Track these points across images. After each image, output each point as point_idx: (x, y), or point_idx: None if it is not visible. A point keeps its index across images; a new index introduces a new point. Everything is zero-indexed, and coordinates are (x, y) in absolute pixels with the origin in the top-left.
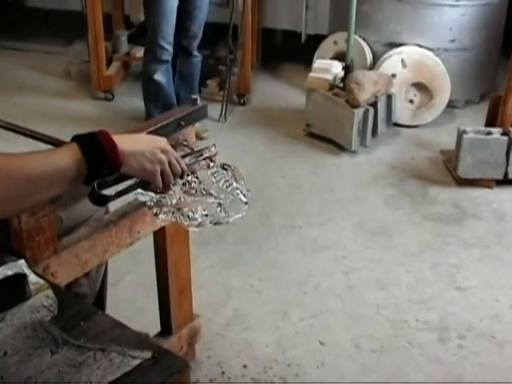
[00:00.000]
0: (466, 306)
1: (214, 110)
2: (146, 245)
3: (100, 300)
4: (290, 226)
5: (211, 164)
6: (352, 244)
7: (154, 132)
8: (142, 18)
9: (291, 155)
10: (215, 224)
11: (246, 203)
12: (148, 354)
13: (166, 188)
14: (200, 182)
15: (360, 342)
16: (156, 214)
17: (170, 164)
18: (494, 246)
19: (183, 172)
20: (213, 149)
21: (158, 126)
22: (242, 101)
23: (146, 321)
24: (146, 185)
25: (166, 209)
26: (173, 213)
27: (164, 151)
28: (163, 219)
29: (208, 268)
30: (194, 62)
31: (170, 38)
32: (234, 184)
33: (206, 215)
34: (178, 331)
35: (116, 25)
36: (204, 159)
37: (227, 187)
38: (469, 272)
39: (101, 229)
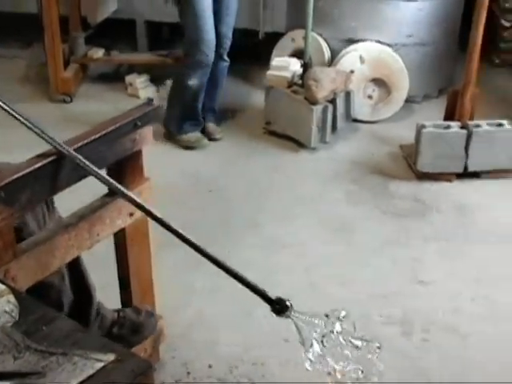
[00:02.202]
0: (428, 299)
1: None
2: (108, 247)
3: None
4: (251, 224)
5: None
6: (313, 241)
7: (110, 133)
8: (100, 19)
9: (251, 154)
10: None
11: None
12: (111, 357)
13: None
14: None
15: None
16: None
17: None
18: (454, 239)
19: None
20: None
21: (115, 126)
22: None
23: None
24: None
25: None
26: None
27: None
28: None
29: (170, 269)
30: (222, 67)
31: (212, 43)
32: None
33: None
34: None
35: (73, 26)
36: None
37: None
38: (430, 266)
39: (60, 232)
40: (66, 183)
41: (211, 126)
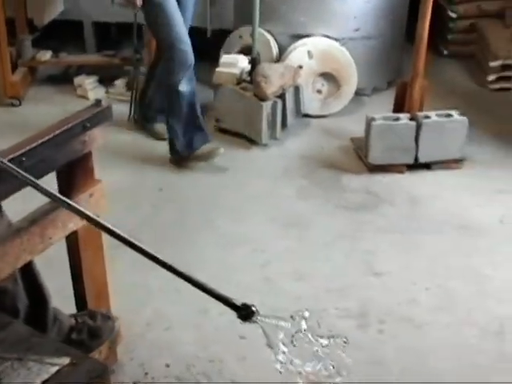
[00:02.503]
0: (383, 291)
1: (122, 110)
2: (61, 251)
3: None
4: (205, 223)
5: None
6: (267, 237)
7: (59, 135)
8: (46, 20)
9: None
10: None
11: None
12: (66, 360)
13: None
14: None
15: None
16: None
17: None
18: (408, 230)
19: None
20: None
21: (64, 129)
22: None
23: None
24: None
25: None
26: None
27: None
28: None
29: (125, 270)
30: None
31: (187, 38)
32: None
33: None
34: None
35: (19, 29)
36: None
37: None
38: (385, 257)
39: (11, 237)
40: (8, 193)
41: (160, 126)
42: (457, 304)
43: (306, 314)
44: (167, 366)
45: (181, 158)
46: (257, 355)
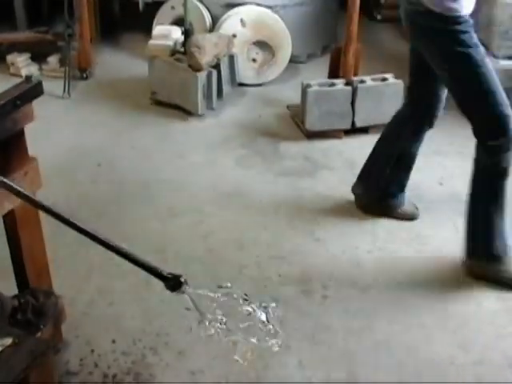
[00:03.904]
0: (326, 256)
1: (56, 86)
2: None
3: None
4: (145, 195)
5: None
6: (208, 207)
7: None
8: None
9: (139, 125)
10: None
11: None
12: (8, 341)
13: None
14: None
15: None
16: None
17: None
18: (347, 194)
19: None
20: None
21: None
22: (84, 75)
23: None
24: None
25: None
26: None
27: None
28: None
29: (65, 247)
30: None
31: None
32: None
33: None
34: None
35: None
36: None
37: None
38: (326, 223)
39: None
40: None
41: (408, 204)
42: (399, 266)
43: (229, 284)
44: (113, 341)
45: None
46: (203, 327)
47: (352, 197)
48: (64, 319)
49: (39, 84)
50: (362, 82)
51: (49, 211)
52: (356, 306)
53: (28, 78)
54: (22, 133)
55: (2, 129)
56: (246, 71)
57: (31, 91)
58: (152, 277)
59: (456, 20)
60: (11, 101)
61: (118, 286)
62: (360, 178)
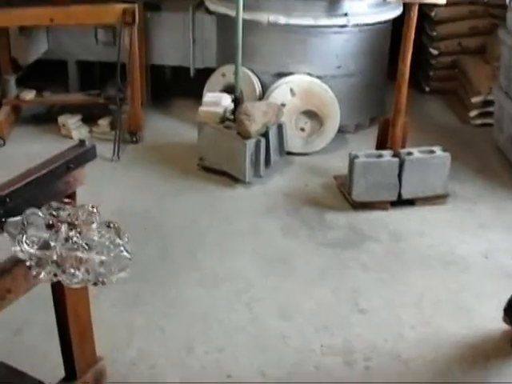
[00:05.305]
0: (369, 327)
1: (106, 149)
2: (45, 289)
3: None
4: (190, 260)
5: (94, 220)
6: (252, 275)
7: (42, 176)
8: (30, 60)
9: (186, 190)
10: (97, 282)
11: (130, 259)
12: None
13: None
14: (82, 238)
15: (267, 371)
16: (36, 275)
17: None
18: (392, 266)
19: None
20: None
21: (48, 169)
22: (134, 139)
23: (50, 366)
24: None
25: (47, 269)
26: (55, 275)
27: None
28: (44, 279)
29: (109, 308)
30: None
31: None
32: (117, 240)
33: (88, 272)
34: (82, 375)
35: (3, 68)
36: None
37: (110, 243)
38: (370, 294)
39: None
40: None
41: None
42: (443, 340)
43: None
44: None
45: None
46: None
47: (398, 268)
48: (105, 381)
49: (93, 148)
50: (410, 154)
51: None
52: (398, 378)
53: (82, 142)
54: (73, 195)
55: (54, 191)
56: (294, 140)
57: (84, 155)
58: (194, 343)
59: None
60: (65, 164)
61: (159, 349)
62: None
